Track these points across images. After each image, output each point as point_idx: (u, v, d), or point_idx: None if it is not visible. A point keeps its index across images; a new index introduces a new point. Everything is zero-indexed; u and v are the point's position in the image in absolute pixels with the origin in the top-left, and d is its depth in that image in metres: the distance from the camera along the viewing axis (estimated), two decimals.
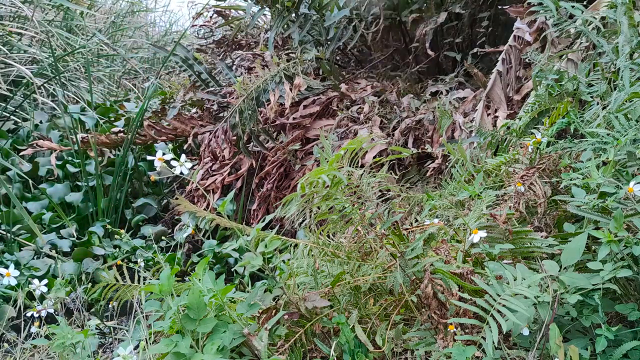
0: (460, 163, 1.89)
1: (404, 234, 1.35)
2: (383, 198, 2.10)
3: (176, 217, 2.99)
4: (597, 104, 1.61)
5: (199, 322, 1.27)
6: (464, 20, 2.96)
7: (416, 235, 1.41)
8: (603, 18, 1.72)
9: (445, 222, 1.60)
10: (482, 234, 1.27)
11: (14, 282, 1.78)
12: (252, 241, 1.35)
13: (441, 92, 2.74)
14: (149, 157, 1.58)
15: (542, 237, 1.35)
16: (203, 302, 1.28)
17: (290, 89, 2.81)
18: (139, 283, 1.94)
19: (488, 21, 2.85)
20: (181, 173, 1.41)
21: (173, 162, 1.41)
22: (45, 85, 3.79)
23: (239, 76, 3.17)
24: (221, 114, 3.20)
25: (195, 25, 4.30)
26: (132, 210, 3.18)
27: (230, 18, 3.88)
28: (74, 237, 2.77)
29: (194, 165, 3.37)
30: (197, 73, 3.42)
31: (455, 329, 1.16)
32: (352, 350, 1.29)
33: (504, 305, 1.10)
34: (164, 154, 1.42)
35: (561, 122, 1.62)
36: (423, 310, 1.25)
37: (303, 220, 2.49)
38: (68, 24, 4.47)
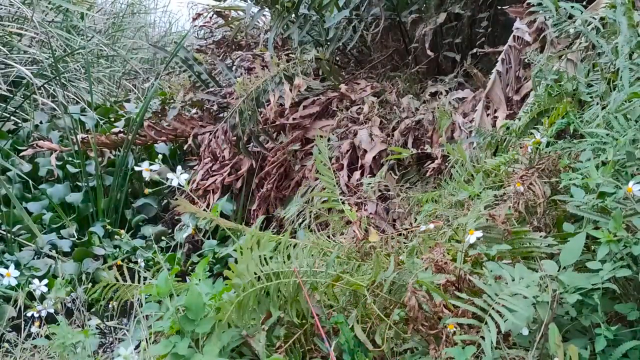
0: (460, 163, 1.89)
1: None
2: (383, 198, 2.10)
3: (176, 217, 2.99)
4: (597, 104, 1.61)
5: (198, 323, 1.27)
6: (464, 21, 2.96)
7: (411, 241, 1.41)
8: (602, 18, 1.72)
9: (445, 222, 1.60)
10: (479, 234, 1.27)
11: (14, 282, 1.78)
12: (247, 242, 1.35)
13: (441, 93, 2.74)
14: (136, 168, 1.60)
15: (541, 237, 1.35)
16: (202, 303, 1.28)
17: (290, 90, 2.81)
18: (139, 283, 1.94)
19: (487, 21, 2.85)
20: (179, 184, 1.42)
21: (170, 175, 1.43)
22: (45, 85, 3.79)
23: (239, 77, 3.17)
24: (221, 115, 3.20)
25: (195, 25, 4.30)
26: (132, 211, 3.18)
27: (230, 19, 3.88)
28: (74, 237, 2.77)
29: (194, 166, 3.37)
30: (197, 73, 3.43)
31: (454, 329, 1.16)
32: (351, 350, 1.29)
33: (503, 305, 1.10)
34: (162, 155, 1.43)
35: (560, 122, 1.62)
36: (411, 325, 1.24)
37: (303, 221, 2.49)
38: (68, 25, 4.47)
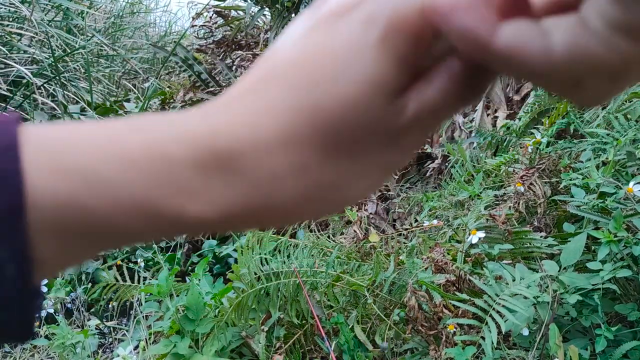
0: (460, 163, 1.89)
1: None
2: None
3: None
4: None
5: (198, 323, 1.27)
6: None
7: (411, 241, 1.41)
8: None
9: (445, 223, 1.61)
10: (481, 234, 1.27)
11: None
12: (247, 242, 1.35)
13: None
14: None
15: (541, 237, 1.35)
16: (202, 303, 1.28)
17: None
18: (139, 283, 1.94)
19: None
20: None
21: None
22: (45, 85, 3.79)
23: (239, 76, 3.17)
24: None
25: (195, 25, 4.30)
26: None
27: (230, 18, 3.88)
28: None
29: None
30: (197, 73, 3.42)
31: (454, 329, 1.16)
32: (351, 350, 1.29)
33: (503, 306, 1.10)
34: None
35: (561, 122, 1.62)
36: (410, 326, 1.24)
37: (303, 220, 2.48)
38: (67, 24, 4.47)
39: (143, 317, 1.73)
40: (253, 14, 3.30)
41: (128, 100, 4.60)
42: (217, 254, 2.52)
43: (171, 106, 3.49)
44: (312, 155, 0.21)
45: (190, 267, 2.46)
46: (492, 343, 1.06)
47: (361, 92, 0.20)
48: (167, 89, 4.29)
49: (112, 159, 0.20)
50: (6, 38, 3.71)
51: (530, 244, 1.35)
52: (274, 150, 0.21)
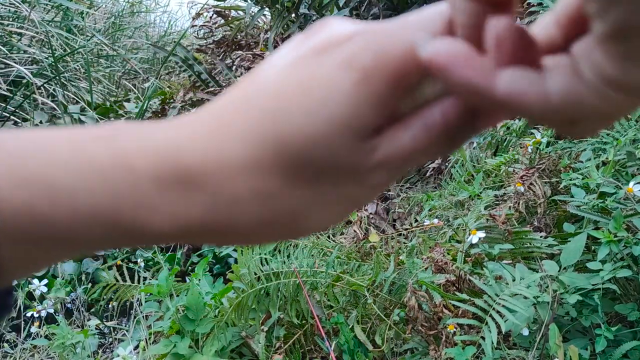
0: (460, 163, 1.89)
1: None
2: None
3: None
4: None
5: (198, 323, 1.27)
6: None
7: (411, 241, 1.41)
8: None
9: (445, 222, 1.61)
10: (481, 234, 1.27)
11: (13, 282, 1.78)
12: None
13: None
14: None
15: (541, 237, 1.35)
16: (202, 303, 1.28)
17: None
18: (139, 283, 1.94)
19: None
20: None
21: None
22: (45, 85, 3.79)
23: (239, 76, 3.17)
24: None
25: (195, 25, 4.30)
26: None
27: (230, 18, 3.88)
28: None
29: None
30: (197, 73, 3.42)
31: (454, 329, 1.16)
32: (351, 350, 1.29)
33: (503, 306, 1.10)
34: None
35: None
36: (410, 326, 1.24)
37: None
38: (67, 24, 4.47)
39: (143, 317, 1.73)
40: (253, 14, 3.30)
41: (128, 100, 4.60)
42: (217, 254, 2.51)
43: (171, 106, 3.49)
44: (275, 183, 0.21)
45: (190, 267, 2.45)
46: (492, 343, 1.06)
47: (331, 131, 0.20)
48: (167, 89, 4.29)
49: (75, 169, 0.20)
50: (6, 38, 3.71)
51: (530, 244, 1.35)
52: (237, 175, 0.21)
